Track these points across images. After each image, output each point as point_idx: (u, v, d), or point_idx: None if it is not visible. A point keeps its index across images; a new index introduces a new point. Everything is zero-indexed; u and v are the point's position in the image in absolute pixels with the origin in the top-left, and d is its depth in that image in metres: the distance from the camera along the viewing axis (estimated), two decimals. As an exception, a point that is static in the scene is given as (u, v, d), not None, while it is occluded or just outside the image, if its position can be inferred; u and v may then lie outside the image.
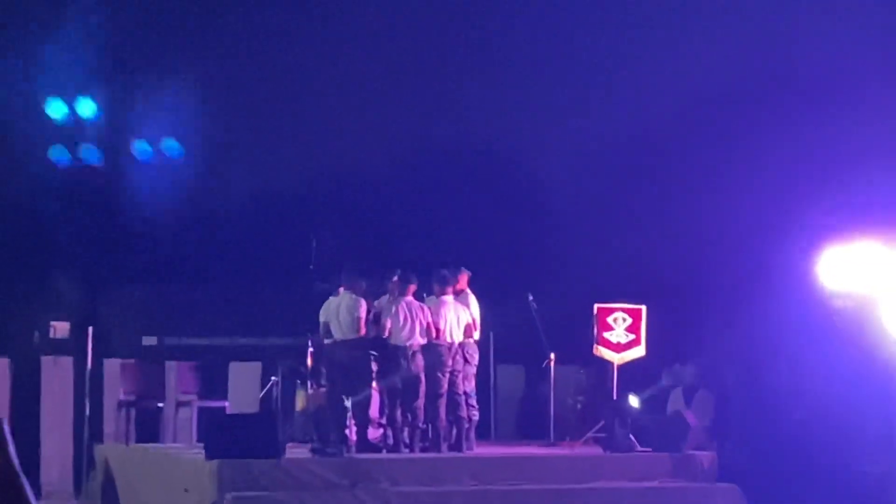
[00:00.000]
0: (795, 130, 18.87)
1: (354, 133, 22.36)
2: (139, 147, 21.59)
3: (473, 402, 17.83)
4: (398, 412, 17.41)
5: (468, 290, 17.86)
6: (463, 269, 17.86)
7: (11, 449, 1.29)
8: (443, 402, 17.49)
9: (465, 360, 17.69)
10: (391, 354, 17.38)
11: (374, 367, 17.61)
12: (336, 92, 22.18)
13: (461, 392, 17.62)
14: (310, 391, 18.16)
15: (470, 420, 17.74)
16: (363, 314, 17.29)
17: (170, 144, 21.51)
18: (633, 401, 18.03)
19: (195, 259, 21.39)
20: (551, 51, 20.71)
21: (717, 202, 19.31)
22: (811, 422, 18.12)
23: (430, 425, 17.60)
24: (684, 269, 19.77)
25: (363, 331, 17.27)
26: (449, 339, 17.46)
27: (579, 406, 19.95)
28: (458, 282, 17.78)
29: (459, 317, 17.55)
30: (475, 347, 17.81)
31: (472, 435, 17.83)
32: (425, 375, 17.38)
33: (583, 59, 20.79)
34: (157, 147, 21.58)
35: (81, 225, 21.71)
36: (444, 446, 17.52)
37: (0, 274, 24.49)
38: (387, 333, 17.35)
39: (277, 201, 22.57)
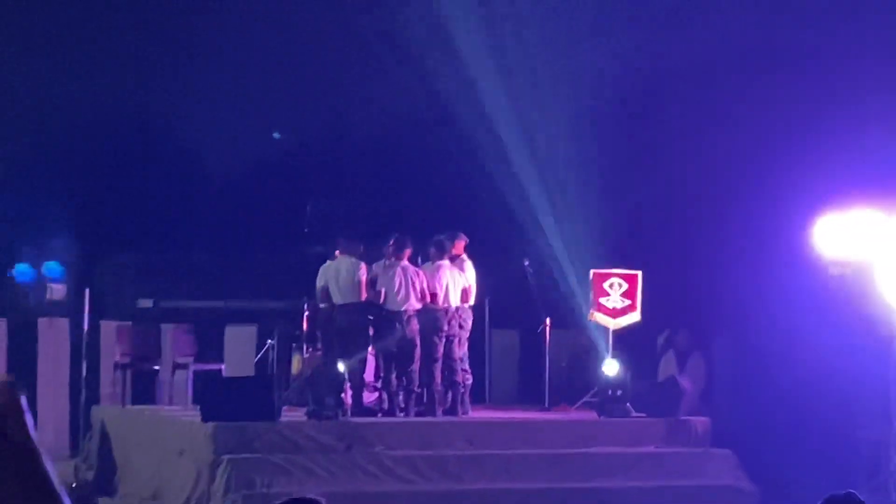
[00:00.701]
0: (794, 96, 18.85)
1: (350, 96, 22.34)
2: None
3: (466, 366, 17.88)
4: (393, 376, 17.45)
5: (464, 256, 17.88)
6: (460, 234, 17.87)
7: (28, 419, 1.30)
8: (438, 366, 17.54)
9: (460, 326, 17.73)
10: (387, 319, 17.40)
11: (370, 331, 17.64)
12: (331, 54, 22.14)
13: (456, 357, 17.66)
14: (305, 355, 18.19)
15: (464, 384, 17.79)
16: (364, 278, 17.30)
17: None
18: (611, 366, 17.98)
19: (191, 222, 21.40)
20: (547, 8, 20.65)
21: (714, 168, 19.31)
22: (807, 388, 18.17)
23: (425, 389, 17.65)
24: (680, 235, 19.80)
25: (364, 295, 17.29)
26: (445, 304, 17.49)
27: (564, 364, 19.96)
28: (454, 247, 17.80)
29: (455, 282, 17.57)
30: (469, 313, 17.85)
31: (468, 399, 17.89)
32: (421, 340, 17.42)
33: (580, 15, 20.72)
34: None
35: (78, 188, 21.70)
36: (440, 410, 17.57)
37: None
38: (382, 298, 17.37)
39: (273, 165, 22.57)
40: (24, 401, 1.35)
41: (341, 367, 16.96)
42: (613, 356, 18.08)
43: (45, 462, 1.33)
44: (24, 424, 1.32)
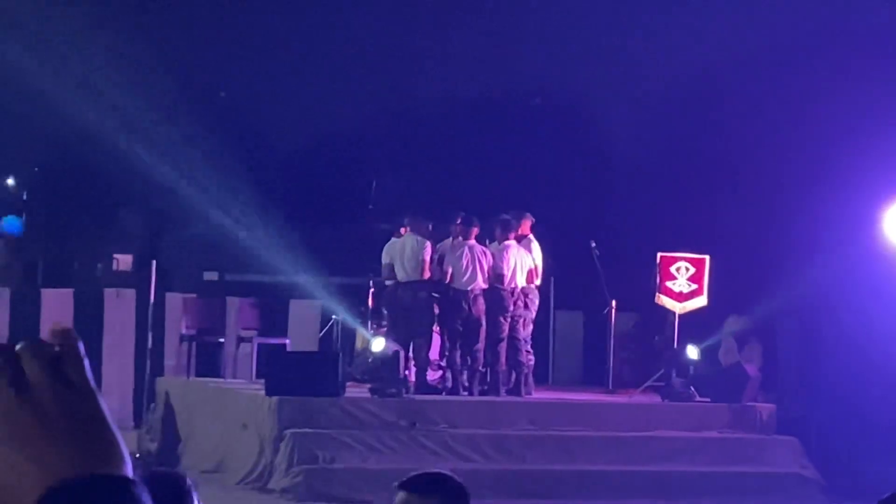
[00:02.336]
0: (866, 83, 18.68)
1: (418, 75, 22.31)
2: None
3: (529, 347, 17.82)
4: (458, 355, 17.43)
5: (531, 236, 17.80)
6: (526, 214, 17.79)
7: (86, 364, 1.32)
8: (503, 346, 17.49)
9: (525, 306, 17.67)
10: (453, 298, 17.37)
11: (435, 309, 17.62)
12: (400, 33, 22.13)
13: (521, 337, 17.61)
14: (370, 331, 18.20)
15: (528, 365, 17.74)
16: (428, 256, 17.27)
17: None
18: (693, 351, 17.95)
19: (257, 197, 21.46)
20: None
21: (786, 154, 19.17)
22: (874, 376, 18.02)
23: (489, 369, 17.62)
24: (749, 220, 19.67)
25: (427, 273, 17.26)
26: (511, 285, 17.43)
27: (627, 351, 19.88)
28: (520, 227, 17.73)
29: (522, 262, 17.51)
30: (536, 293, 17.78)
31: (531, 380, 17.84)
32: (486, 320, 17.37)
33: (649, 4, 20.62)
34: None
35: (147, 161, 21.81)
36: (503, 390, 17.53)
37: (65, 207, 24.70)
38: (449, 278, 17.34)
39: (340, 141, 22.60)
40: (81, 346, 1.36)
41: (380, 344, 16.95)
42: (679, 341, 18.00)
43: (103, 405, 1.34)
44: (82, 369, 1.34)
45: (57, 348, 1.37)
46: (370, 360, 17.48)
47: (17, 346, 1.36)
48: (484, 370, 17.58)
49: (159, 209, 22.24)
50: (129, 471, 1.34)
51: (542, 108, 21.62)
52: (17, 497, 1.32)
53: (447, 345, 17.57)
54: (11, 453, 1.33)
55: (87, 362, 1.37)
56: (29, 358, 1.36)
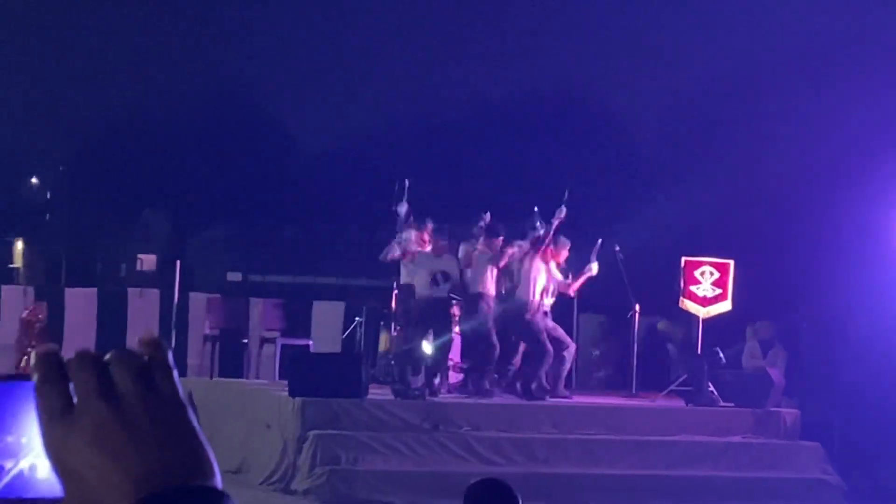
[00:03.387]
0: (887, 90, 18.64)
1: (444, 78, 22.34)
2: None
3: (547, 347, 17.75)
4: (480, 358, 17.40)
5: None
6: (561, 239, 17.66)
7: (175, 374, 1.32)
8: (523, 349, 17.47)
9: (545, 313, 17.63)
10: (473, 301, 17.34)
11: (456, 312, 17.60)
12: (425, 36, 22.15)
13: (544, 340, 17.56)
14: (393, 333, 18.20)
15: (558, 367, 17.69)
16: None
17: None
18: (716, 354, 17.91)
19: (282, 198, 21.51)
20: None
21: (810, 159, 19.13)
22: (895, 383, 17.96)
23: (511, 372, 17.59)
24: (774, 226, 19.63)
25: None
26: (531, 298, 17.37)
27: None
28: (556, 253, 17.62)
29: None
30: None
31: (560, 384, 17.80)
32: (508, 323, 17.34)
33: (676, 10, 20.61)
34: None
35: (170, 162, 21.88)
36: (522, 392, 17.50)
37: (89, 207, 24.75)
38: (470, 281, 17.30)
39: (366, 143, 22.62)
40: (171, 356, 1.36)
41: (426, 347, 16.93)
42: (702, 345, 17.96)
43: (192, 416, 1.34)
44: (171, 379, 1.34)
45: (146, 358, 1.38)
46: (392, 362, 17.47)
47: (107, 355, 1.36)
48: (506, 373, 17.57)
49: (183, 210, 22.28)
50: (218, 482, 1.34)
51: (569, 111, 21.56)
52: None
53: (468, 348, 17.52)
54: (102, 463, 1.32)
55: (176, 373, 1.37)
56: (118, 367, 1.35)
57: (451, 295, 17.45)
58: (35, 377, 1.35)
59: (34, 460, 1.42)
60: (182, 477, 1.32)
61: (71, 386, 1.34)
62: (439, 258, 17.14)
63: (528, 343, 17.46)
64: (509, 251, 17.29)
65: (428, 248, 17.42)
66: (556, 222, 17.33)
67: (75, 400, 1.34)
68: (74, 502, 1.34)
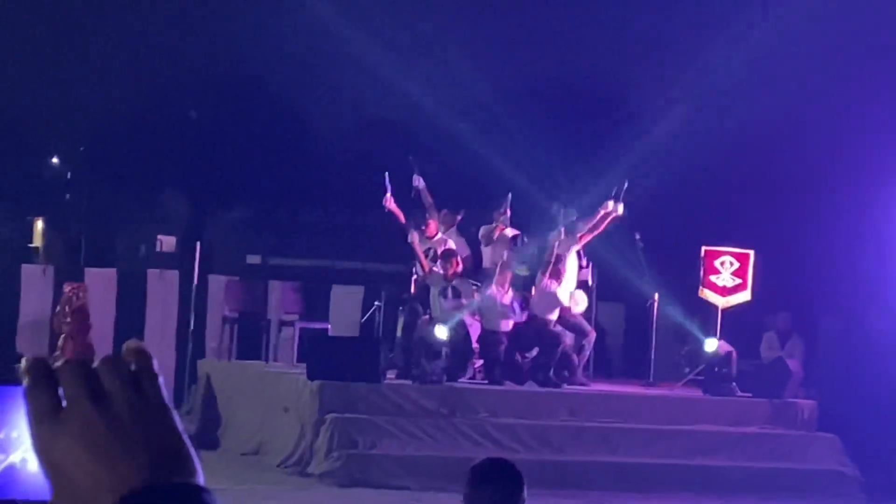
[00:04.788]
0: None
1: (459, 64, 22.30)
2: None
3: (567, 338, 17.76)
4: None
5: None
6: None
7: (161, 381, 1.37)
8: (542, 335, 17.46)
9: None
10: (485, 338, 17.32)
11: (477, 298, 17.59)
12: (442, 22, 22.13)
13: (557, 329, 17.55)
14: (423, 317, 18.15)
15: (576, 355, 17.70)
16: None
17: None
18: (711, 344, 17.83)
19: (302, 181, 21.52)
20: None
21: (832, 151, 19.09)
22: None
23: (530, 359, 17.59)
24: (795, 216, 19.60)
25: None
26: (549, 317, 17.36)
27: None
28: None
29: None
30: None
31: (578, 372, 17.81)
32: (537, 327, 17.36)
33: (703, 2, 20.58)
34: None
35: (191, 144, 21.90)
36: (543, 380, 17.50)
37: (109, 187, 24.79)
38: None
39: (385, 128, 22.61)
40: (155, 364, 1.41)
41: (440, 332, 16.90)
42: (721, 335, 17.92)
43: (177, 419, 1.39)
44: (157, 384, 1.39)
45: (133, 366, 1.41)
46: (415, 345, 17.48)
47: (96, 363, 1.41)
48: (525, 360, 17.57)
49: (204, 192, 22.31)
50: (200, 481, 1.39)
51: (585, 97, 21.50)
52: (94, 503, 1.35)
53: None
54: (89, 461, 1.36)
55: (161, 379, 1.42)
56: (107, 372, 1.40)
57: (472, 282, 17.42)
58: (25, 382, 1.40)
59: (24, 454, 1.47)
60: (165, 476, 1.36)
61: (60, 391, 1.38)
62: (453, 277, 17.16)
63: (539, 336, 17.45)
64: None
65: (439, 235, 17.46)
66: (555, 243, 17.30)
67: (64, 404, 1.38)
68: (62, 501, 1.37)
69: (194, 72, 21.20)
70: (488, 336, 17.14)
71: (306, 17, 21.88)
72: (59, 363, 1.39)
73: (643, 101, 20.68)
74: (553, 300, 17.17)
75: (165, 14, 21.14)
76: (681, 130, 19.62)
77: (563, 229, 17.19)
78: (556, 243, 17.15)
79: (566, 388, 17.50)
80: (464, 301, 17.07)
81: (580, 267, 17.60)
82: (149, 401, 1.40)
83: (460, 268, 17.20)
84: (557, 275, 17.15)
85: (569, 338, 17.64)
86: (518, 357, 17.37)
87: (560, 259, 17.15)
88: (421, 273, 17.32)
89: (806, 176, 19.70)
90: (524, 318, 17.19)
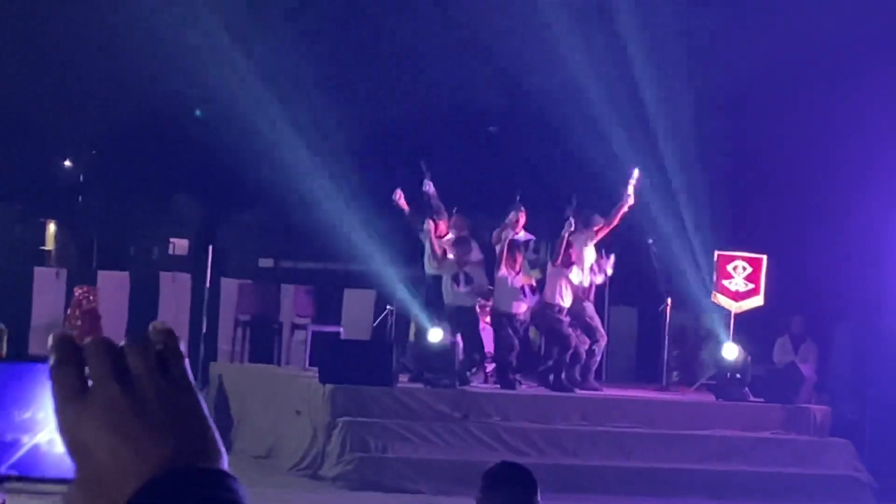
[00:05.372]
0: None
1: (469, 69, 22.31)
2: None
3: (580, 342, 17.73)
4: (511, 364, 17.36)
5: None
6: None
7: (186, 363, 1.37)
8: (556, 340, 17.45)
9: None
10: (498, 320, 17.29)
11: (490, 303, 17.58)
12: (454, 28, 22.12)
13: (569, 333, 17.51)
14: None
15: (588, 358, 17.67)
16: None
17: None
18: (730, 349, 17.79)
19: (314, 185, 21.51)
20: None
21: (845, 156, 19.05)
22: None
23: (543, 363, 17.58)
24: (807, 221, 19.56)
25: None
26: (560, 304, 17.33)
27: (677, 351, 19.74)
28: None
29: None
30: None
31: (590, 376, 17.78)
32: (547, 326, 17.34)
33: (713, 7, 20.56)
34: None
35: (202, 147, 21.91)
36: (552, 383, 17.48)
37: (122, 190, 24.81)
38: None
39: (394, 131, 22.60)
40: (182, 345, 1.40)
41: (434, 335, 16.87)
42: (734, 340, 17.89)
43: (202, 401, 1.38)
44: (183, 365, 1.38)
45: (159, 346, 1.40)
46: (424, 350, 17.47)
47: (123, 343, 1.39)
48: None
49: (216, 194, 22.30)
50: (225, 465, 1.38)
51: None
52: (118, 485, 1.35)
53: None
54: (113, 443, 1.36)
55: (187, 361, 1.41)
56: (134, 353, 1.39)
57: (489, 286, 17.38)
58: (51, 360, 1.39)
59: (51, 435, 1.47)
60: (190, 458, 1.36)
61: (86, 370, 1.38)
62: (465, 264, 17.13)
63: (551, 333, 17.43)
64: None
65: (450, 235, 17.43)
66: (565, 234, 17.26)
67: (90, 383, 1.38)
68: (85, 482, 1.37)
69: (205, 75, 21.20)
70: (502, 319, 17.11)
71: (320, 22, 21.90)
72: (86, 341, 1.39)
73: (655, 105, 20.64)
74: (563, 284, 17.09)
75: (176, 19, 21.15)
76: (691, 135, 19.58)
77: (572, 219, 17.15)
78: (567, 232, 17.12)
79: (579, 392, 17.48)
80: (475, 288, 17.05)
81: (601, 259, 17.49)
82: (175, 383, 1.39)
83: (473, 256, 17.20)
84: (568, 261, 17.12)
85: (581, 341, 17.59)
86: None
87: (571, 245, 17.12)
88: (434, 262, 17.27)
89: (819, 180, 19.66)
90: (536, 302, 17.15)
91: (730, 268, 18.20)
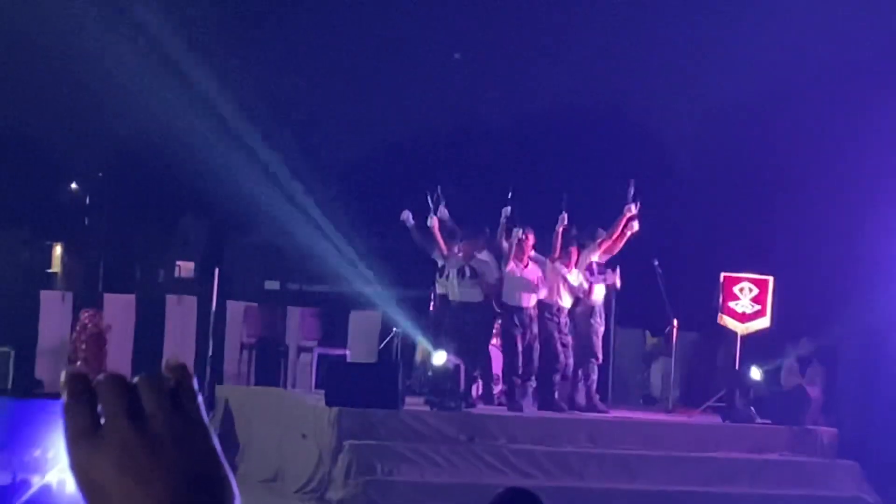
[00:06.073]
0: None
1: (478, 88, 22.32)
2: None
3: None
4: (517, 370, 17.35)
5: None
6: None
7: (199, 399, 1.36)
8: (559, 362, 17.42)
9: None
10: (509, 313, 17.31)
11: (496, 324, 17.56)
12: (464, 43, 22.14)
13: (561, 355, 17.47)
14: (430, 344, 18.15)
15: (587, 379, 17.65)
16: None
17: None
18: (756, 373, 17.84)
19: (321, 207, 21.53)
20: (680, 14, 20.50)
21: (851, 176, 19.04)
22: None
23: (548, 384, 17.54)
24: (814, 242, 19.54)
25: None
26: (559, 304, 17.33)
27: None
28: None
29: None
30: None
31: (595, 396, 17.76)
32: (542, 335, 17.31)
33: (716, 25, 20.55)
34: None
35: (209, 170, 21.94)
36: (562, 405, 17.46)
37: (128, 212, 24.84)
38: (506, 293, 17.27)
39: (403, 152, 22.62)
40: (195, 382, 1.39)
41: (438, 357, 16.85)
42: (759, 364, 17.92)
43: (215, 441, 1.37)
44: (196, 403, 1.37)
45: (172, 382, 1.39)
46: (430, 372, 17.45)
47: (135, 379, 1.38)
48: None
49: (222, 217, 22.31)
50: None
51: (606, 123, 21.48)
52: None
53: (506, 360, 17.48)
54: (125, 483, 1.35)
55: (200, 398, 1.40)
56: (146, 390, 1.39)
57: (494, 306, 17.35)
58: (63, 396, 1.37)
59: (61, 475, 1.46)
60: (202, 499, 1.36)
61: (98, 407, 1.36)
62: (471, 258, 17.12)
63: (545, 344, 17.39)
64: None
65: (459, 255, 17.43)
66: (559, 229, 17.26)
67: (102, 421, 1.37)
68: None
69: (211, 99, 21.23)
70: (512, 312, 17.09)
71: (325, 43, 21.93)
72: (98, 378, 1.38)
73: (660, 126, 20.65)
74: (561, 284, 17.09)
75: (180, 39, 21.19)
76: (698, 156, 19.59)
77: (565, 213, 17.17)
78: (561, 226, 17.14)
79: (585, 414, 17.46)
80: (480, 279, 17.00)
81: (595, 273, 17.45)
82: (187, 421, 1.38)
83: (478, 250, 17.18)
84: (567, 260, 17.15)
85: (567, 355, 17.45)
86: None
87: (570, 243, 17.17)
88: (440, 257, 17.26)
89: (826, 201, 19.65)
90: (544, 294, 17.15)
91: (736, 289, 18.18)
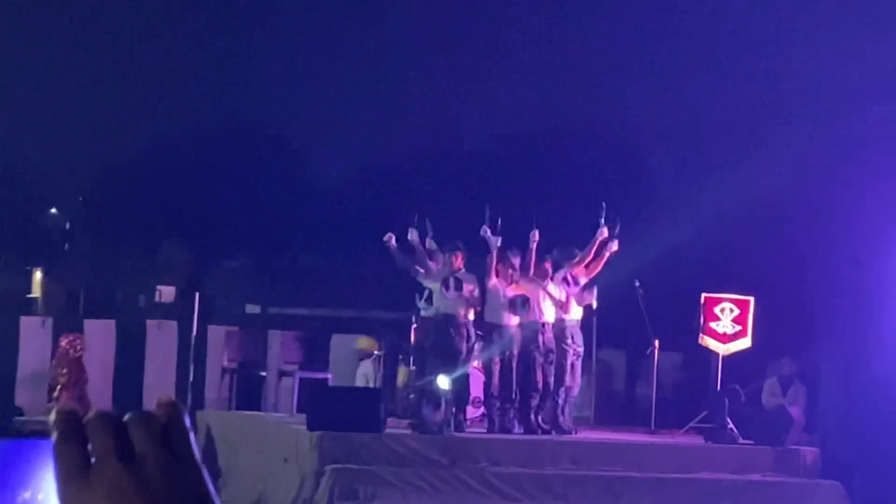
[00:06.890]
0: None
1: (461, 109, 22.37)
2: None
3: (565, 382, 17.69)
4: (498, 392, 17.33)
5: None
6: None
7: (192, 437, 1.35)
8: (541, 382, 17.41)
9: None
10: (489, 333, 17.30)
11: (477, 345, 17.53)
12: (441, 68, 22.20)
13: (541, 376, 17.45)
14: (412, 367, 18.15)
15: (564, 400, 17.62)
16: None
17: None
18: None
19: (301, 230, 21.53)
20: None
21: (831, 197, 19.09)
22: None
23: (528, 406, 17.52)
24: (794, 263, 19.59)
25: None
26: (541, 319, 17.33)
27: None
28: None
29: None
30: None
31: (567, 415, 17.71)
32: (523, 354, 17.30)
33: (696, 43, 20.64)
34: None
35: (189, 194, 21.92)
36: (544, 427, 17.44)
37: (109, 238, 24.78)
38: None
39: (384, 175, 22.62)
40: (187, 419, 1.37)
41: (443, 381, 16.85)
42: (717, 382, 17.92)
43: (207, 479, 1.35)
44: (188, 440, 1.35)
45: (164, 420, 1.37)
46: (411, 396, 17.43)
47: (125, 417, 1.37)
48: (528, 407, 17.49)
49: (203, 241, 22.29)
50: None
51: (588, 144, 21.54)
52: None
53: (486, 381, 17.46)
54: None
55: (192, 435, 1.39)
56: (136, 428, 1.37)
57: (471, 330, 17.33)
58: (53, 435, 1.36)
59: None
60: None
61: (89, 446, 1.35)
62: (456, 269, 17.08)
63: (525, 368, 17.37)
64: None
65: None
66: (532, 246, 17.25)
67: (93, 460, 1.36)
68: None
69: (193, 123, 21.24)
70: (493, 329, 17.07)
71: (308, 69, 21.97)
72: (88, 416, 1.36)
73: (640, 145, 20.70)
74: (540, 295, 17.09)
75: (165, 65, 21.21)
76: (678, 176, 19.64)
77: (536, 231, 17.15)
78: (534, 245, 17.14)
79: (566, 436, 17.44)
80: (464, 292, 16.92)
81: (571, 285, 17.41)
82: (179, 459, 1.37)
83: (461, 262, 17.11)
84: (544, 275, 17.15)
85: (550, 377, 17.41)
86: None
87: (544, 260, 17.16)
88: (423, 276, 17.15)
89: (806, 222, 19.70)
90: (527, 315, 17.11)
91: (717, 310, 18.20)
